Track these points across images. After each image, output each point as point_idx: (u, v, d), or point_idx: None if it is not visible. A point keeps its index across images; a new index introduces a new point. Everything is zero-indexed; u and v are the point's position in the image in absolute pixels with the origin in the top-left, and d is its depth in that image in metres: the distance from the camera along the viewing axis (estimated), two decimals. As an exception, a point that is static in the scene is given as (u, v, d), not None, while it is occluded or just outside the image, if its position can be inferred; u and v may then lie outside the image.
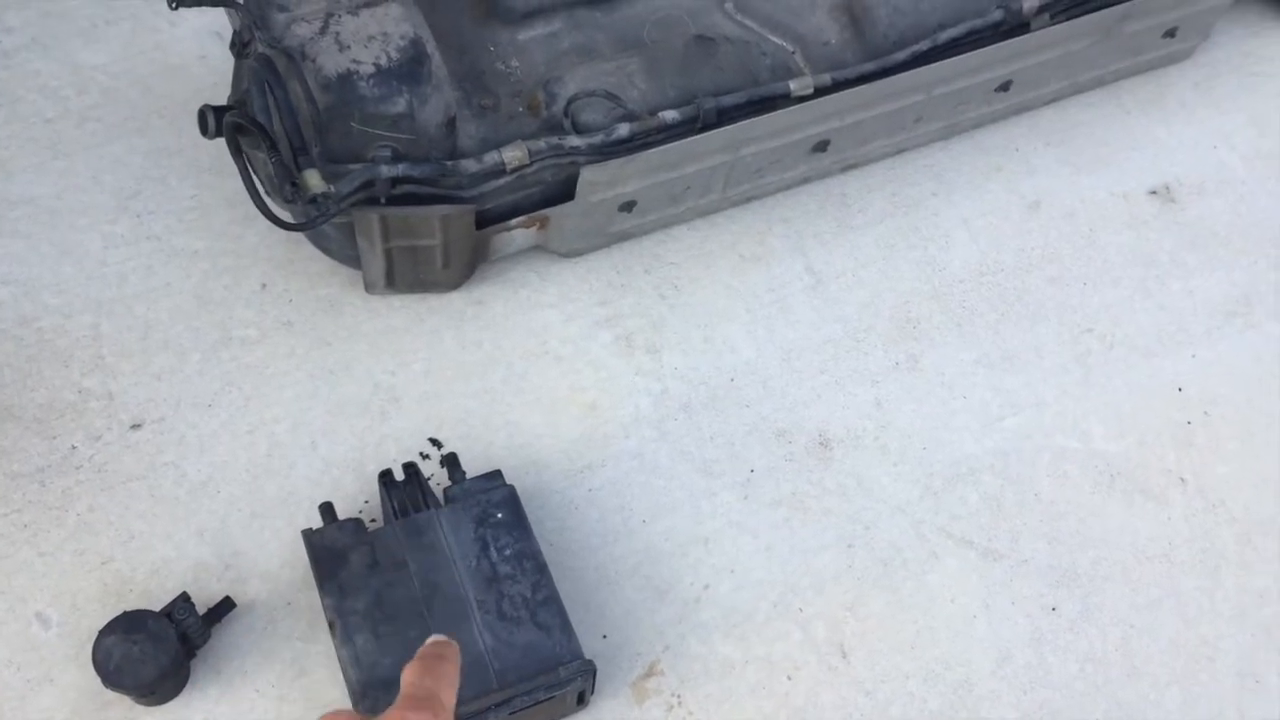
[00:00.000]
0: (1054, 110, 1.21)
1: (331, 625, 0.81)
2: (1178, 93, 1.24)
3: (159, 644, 0.80)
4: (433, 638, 0.58)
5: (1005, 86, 1.12)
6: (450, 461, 0.91)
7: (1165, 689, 0.89)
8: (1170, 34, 1.19)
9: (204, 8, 0.91)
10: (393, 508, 0.87)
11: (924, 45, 1.04)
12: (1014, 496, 0.97)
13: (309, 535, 0.85)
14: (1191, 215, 1.15)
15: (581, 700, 0.84)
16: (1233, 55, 1.28)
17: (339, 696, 0.84)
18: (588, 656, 0.81)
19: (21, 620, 0.86)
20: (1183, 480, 0.99)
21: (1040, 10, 1.07)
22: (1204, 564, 0.95)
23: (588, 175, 0.95)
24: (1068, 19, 1.08)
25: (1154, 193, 1.17)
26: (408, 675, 0.54)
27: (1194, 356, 1.06)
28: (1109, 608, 0.93)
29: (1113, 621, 0.92)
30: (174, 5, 0.89)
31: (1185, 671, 0.90)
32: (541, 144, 0.93)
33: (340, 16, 0.89)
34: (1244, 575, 0.95)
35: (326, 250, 1.00)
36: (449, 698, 0.53)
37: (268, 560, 0.90)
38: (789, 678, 0.88)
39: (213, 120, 0.88)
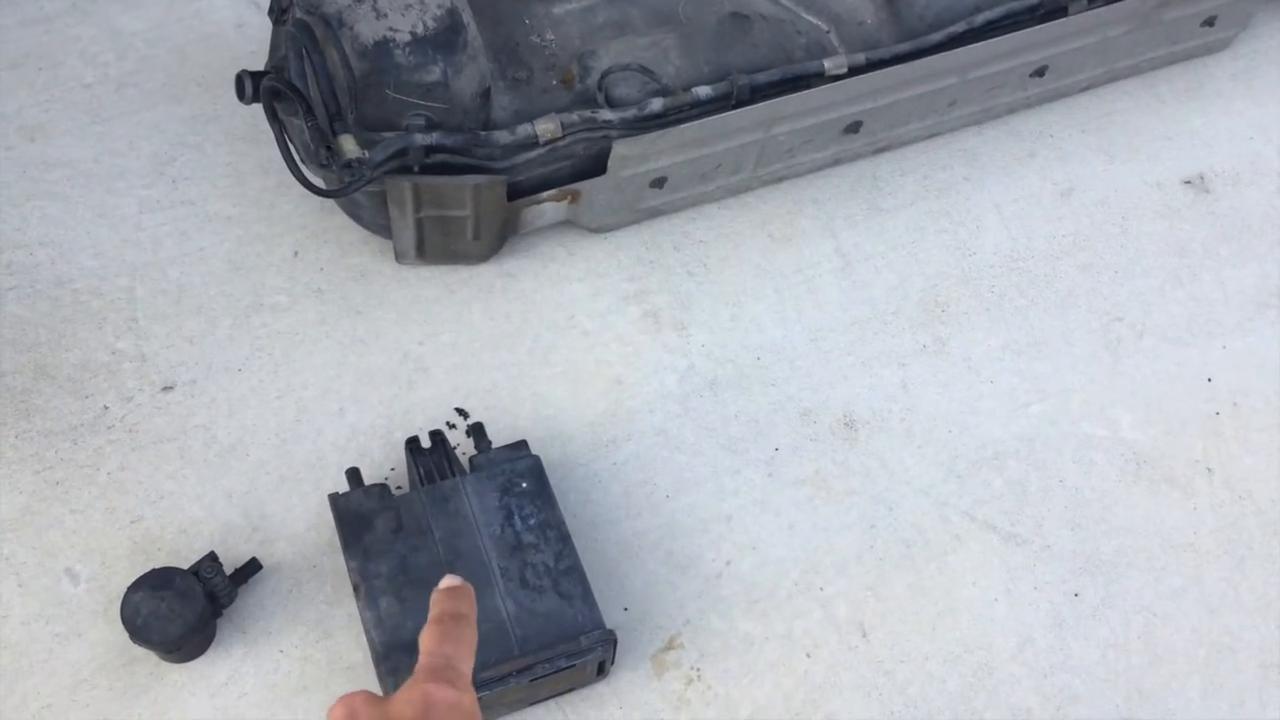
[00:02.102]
0: (1089, 97, 1.20)
1: (356, 588, 0.82)
2: (1215, 83, 1.23)
3: (186, 601, 0.81)
4: (445, 582, 0.55)
5: (1041, 72, 1.12)
6: (476, 431, 0.92)
7: (1187, 678, 0.89)
8: (1209, 23, 1.18)
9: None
10: (419, 474, 0.88)
11: (960, 27, 1.03)
12: (1039, 482, 0.97)
13: (335, 499, 0.86)
14: (1225, 206, 1.14)
15: (601, 670, 0.84)
16: (1271, 47, 1.26)
17: (362, 659, 0.85)
18: (609, 627, 0.82)
19: (52, 575, 0.88)
20: (1209, 470, 0.99)
21: (1078, -5, 1.06)
22: (1229, 554, 0.95)
23: (620, 149, 0.95)
24: (1106, 4, 1.08)
25: (1188, 183, 1.16)
26: (426, 642, 0.52)
27: (1224, 347, 1.06)
28: (1132, 595, 0.92)
29: (1135, 609, 0.92)
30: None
31: (1207, 661, 0.90)
32: (574, 117, 0.94)
33: (378, -15, 0.90)
34: (1269, 567, 0.94)
35: (358, 219, 1.01)
36: (468, 664, 0.52)
37: (294, 523, 0.91)
38: (809, 655, 0.88)
39: (250, 85, 0.89)
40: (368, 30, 0.88)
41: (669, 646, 0.88)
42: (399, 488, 0.92)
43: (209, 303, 1.01)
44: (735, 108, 0.97)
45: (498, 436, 0.93)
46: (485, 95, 0.92)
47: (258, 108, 0.93)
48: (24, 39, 1.15)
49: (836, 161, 1.12)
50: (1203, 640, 0.91)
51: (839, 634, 0.89)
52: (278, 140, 0.90)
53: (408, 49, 0.88)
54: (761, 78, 0.98)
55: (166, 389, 0.96)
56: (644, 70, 0.97)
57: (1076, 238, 1.11)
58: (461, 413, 0.97)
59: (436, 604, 0.54)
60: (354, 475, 0.89)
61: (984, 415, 1.00)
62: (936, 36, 1.03)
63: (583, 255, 1.06)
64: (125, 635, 0.81)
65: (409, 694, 0.48)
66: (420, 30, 0.89)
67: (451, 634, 0.52)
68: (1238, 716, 0.88)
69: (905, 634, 0.90)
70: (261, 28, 1.17)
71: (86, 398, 0.95)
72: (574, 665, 0.81)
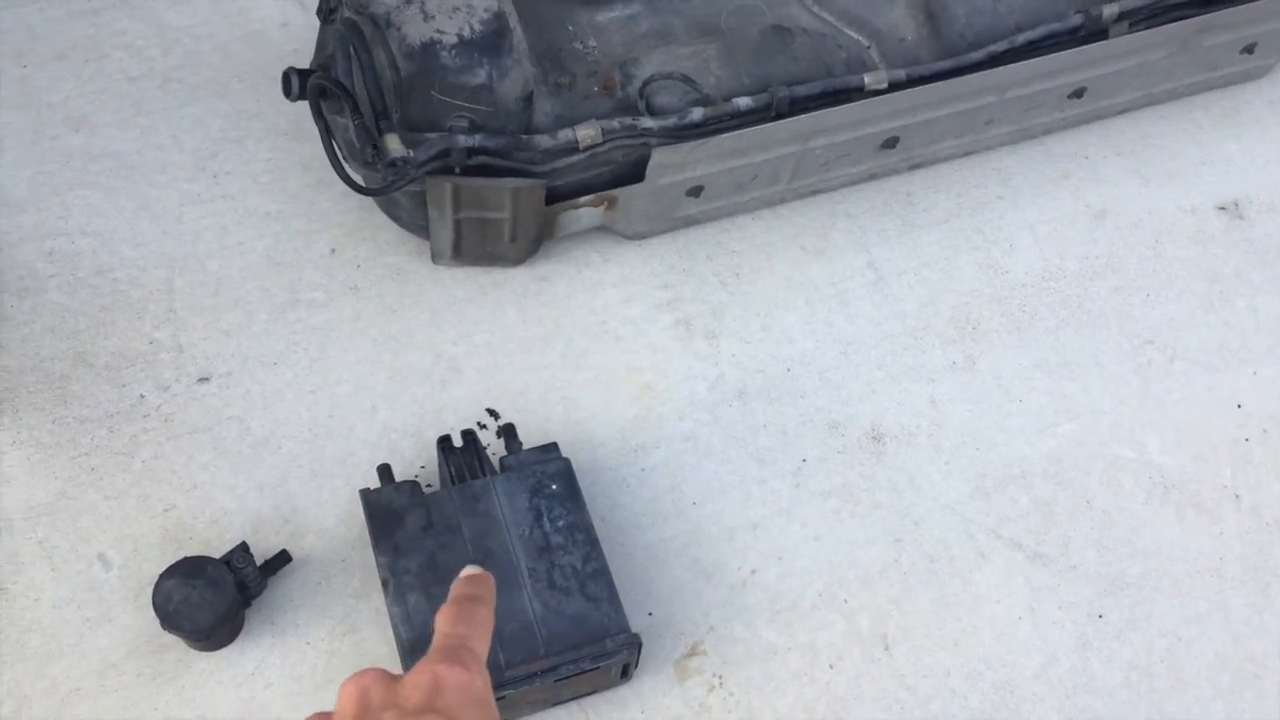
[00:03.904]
0: (1126, 120, 1.20)
1: (385, 583, 0.83)
2: (1252, 110, 1.23)
3: (217, 590, 0.82)
4: (466, 571, 0.55)
5: (1079, 93, 1.12)
6: (507, 432, 0.93)
7: (1209, 703, 0.89)
8: (1248, 50, 1.18)
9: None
10: (449, 473, 0.88)
11: (1000, 46, 1.04)
12: (1066, 502, 0.97)
13: (366, 494, 0.87)
14: (1259, 233, 1.14)
15: (625, 674, 0.85)
16: (1310, 76, 1.26)
17: (388, 654, 0.86)
18: (634, 631, 0.82)
19: (84, 560, 0.88)
20: (1237, 496, 0.99)
21: (1120, 18, 1.06)
22: (1255, 581, 0.94)
23: (658, 157, 0.96)
24: (1146, 28, 1.08)
25: (1223, 208, 1.16)
26: (441, 623, 0.52)
27: (1255, 374, 1.05)
28: (1156, 618, 0.92)
29: (1159, 632, 0.92)
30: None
31: (1231, 687, 0.90)
32: (615, 124, 0.95)
33: (426, -13, 0.91)
34: (1295, 595, 0.94)
35: (396, 218, 1.02)
36: (482, 645, 0.51)
37: (325, 517, 0.92)
38: (831, 666, 0.89)
39: (297, 82, 0.90)
40: (415, 32, 0.89)
41: (692, 653, 0.89)
42: (429, 486, 0.92)
43: (246, 296, 1.02)
44: (775, 120, 0.98)
45: (528, 438, 0.94)
46: (528, 99, 0.93)
47: (299, 105, 0.94)
48: (71, 30, 1.16)
49: (872, 176, 1.12)
50: (1226, 666, 0.91)
51: (862, 646, 0.90)
52: (322, 138, 0.91)
53: (454, 51, 0.89)
54: (801, 91, 0.98)
55: (202, 380, 0.97)
56: (685, 79, 0.98)
57: (1109, 260, 1.11)
58: (493, 413, 0.98)
59: (455, 589, 0.54)
60: (385, 471, 0.90)
61: (1012, 434, 1.00)
62: (977, 55, 1.03)
63: (617, 261, 1.07)
64: (155, 622, 0.82)
65: (419, 675, 0.48)
66: (467, 33, 0.89)
67: (467, 615, 0.52)
68: (1260, 744, 0.88)
69: (928, 649, 0.90)
70: (305, 26, 1.18)
71: (123, 386, 0.96)
72: (598, 667, 0.81)
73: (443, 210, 0.95)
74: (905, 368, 1.03)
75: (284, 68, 0.92)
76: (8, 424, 0.94)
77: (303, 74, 0.91)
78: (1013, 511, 0.96)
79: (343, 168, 0.91)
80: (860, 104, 0.99)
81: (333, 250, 1.05)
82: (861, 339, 1.05)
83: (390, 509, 0.86)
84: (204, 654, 0.86)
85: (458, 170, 0.91)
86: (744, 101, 0.97)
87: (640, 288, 1.06)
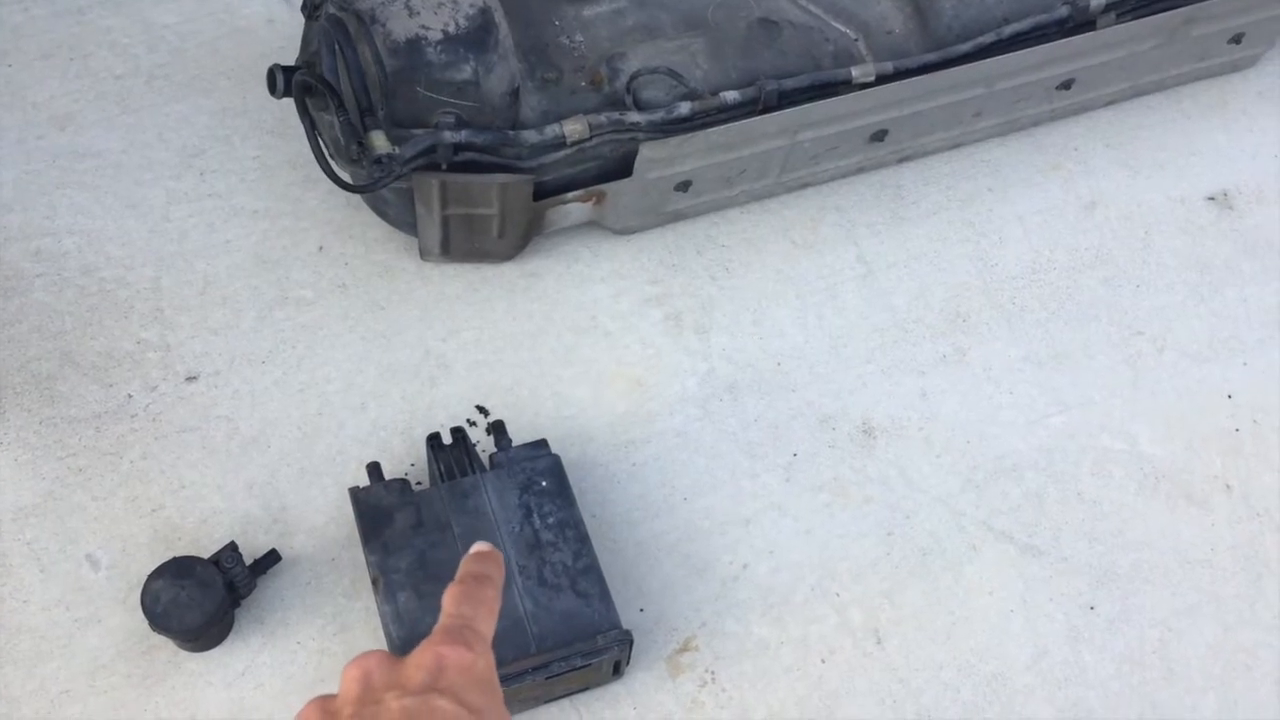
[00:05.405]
0: (1114, 111, 1.20)
1: (375, 582, 0.83)
2: (1241, 100, 1.23)
3: (206, 590, 0.82)
4: (475, 548, 0.55)
5: (1067, 85, 1.12)
6: (497, 429, 0.92)
7: (1202, 694, 0.89)
8: (1236, 40, 1.18)
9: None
10: (439, 470, 0.88)
11: (988, 38, 1.03)
12: (1057, 494, 0.97)
13: (356, 493, 0.86)
14: (1249, 223, 1.14)
15: (617, 670, 0.85)
16: (1298, 65, 1.26)
17: (378, 652, 0.85)
18: (625, 628, 0.82)
19: (73, 561, 0.88)
20: (1228, 487, 0.99)
21: (1107, 9, 1.06)
22: (1246, 571, 0.95)
23: (646, 152, 0.96)
24: (1134, 19, 1.08)
25: (1212, 199, 1.16)
26: (447, 602, 0.52)
27: (1245, 364, 1.05)
28: (1148, 610, 0.92)
29: (1151, 624, 0.92)
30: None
31: (1223, 677, 0.90)
32: (602, 118, 0.94)
33: (411, -17, 0.90)
34: (1286, 585, 0.94)
35: (384, 215, 1.02)
36: (487, 625, 0.51)
37: (314, 516, 0.91)
38: (823, 661, 0.89)
39: (282, 80, 0.90)
40: (400, 28, 0.88)
41: (684, 648, 0.88)
42: (419, 483, 0.92)
43: (234, 295, 1.01)
44: (762, 113, 0.97)
45: (518, 435, 0.94)
46: (514, 95, 0.93)
47: (286, 102, 0.94)
48: (56, 29, 1.16)
49: (860, 169, 1.12)
50: (1218, 656, 0.91)
51: (854, 640, 0.89)
52: (308, 135, 0.91)
53: (439, 47, 0.89)
54: (789, 84, 0.98)
55: (190, 379, 0.97)
56: (672, 74, 0.97)
57: (1099, 251, 1.11)
58: (482, 410, 0.97)
59: (463, 566, 0.54)
60: (374, 470, 0.89)
61: (1003, 426, 1.00)
62: (964, 47, 1.03)
63: (606, 256, 1.06)
64: (144, 623, 0.82)
65: (422, 655, 0.48)
66: (452, 29, 0.89)
67: (473, 595, 0.52)
68: (1252, 734, 0.88)
69: (920, 642, 0.90)
70: (291, 23, 1.18)
71: (111, 386, 0.96)
72: (590, 664, 0.81)
73: (430, 207, 0.95)
74: (895, 361, 1.03)
75: (270, 65, 0.92)
76: (-5, 425, 0.94)
77: (288, 71, 0.90)
78: (1004, 504, 0.96)
79: (329, 165, 0.91)
80: (848, 97, 0.99)
81: (321, 248, 1.05)
82: (851, 332, 1.04)
83: (380, 507, 0.85)
84: (194, 654, 0.85)
85: (444, 166, 0.91)
86: (731, 95, 0.97)
87: (629, 283, 1.05)
